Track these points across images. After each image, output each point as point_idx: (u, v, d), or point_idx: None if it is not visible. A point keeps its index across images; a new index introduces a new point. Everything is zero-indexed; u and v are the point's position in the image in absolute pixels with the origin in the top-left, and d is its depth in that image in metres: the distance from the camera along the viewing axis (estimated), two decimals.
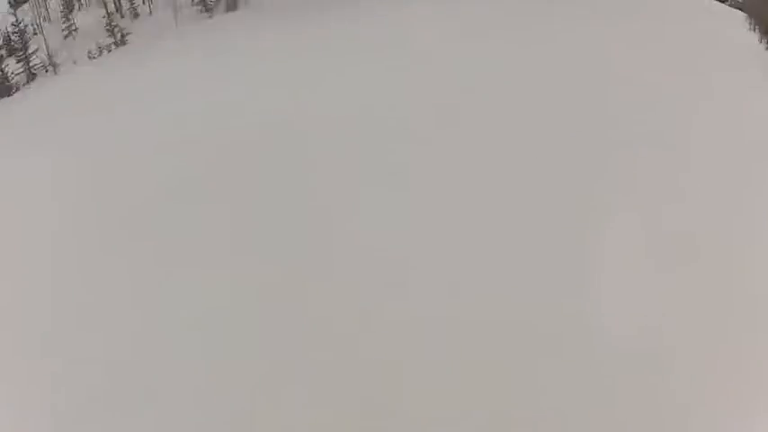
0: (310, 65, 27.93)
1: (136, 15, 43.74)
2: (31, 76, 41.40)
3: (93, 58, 41.10)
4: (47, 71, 40.77)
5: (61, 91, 35.86)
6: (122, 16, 45.22)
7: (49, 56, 41.55)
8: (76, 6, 48.69)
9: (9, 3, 45.86)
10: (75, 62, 41.08)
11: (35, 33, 45.23)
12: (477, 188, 17.84)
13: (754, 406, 11.29)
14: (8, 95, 39.48)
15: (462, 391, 12.24)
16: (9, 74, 41.08)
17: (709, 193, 16.45)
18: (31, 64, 41.79)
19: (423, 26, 31.04)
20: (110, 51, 41.10)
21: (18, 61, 41.92)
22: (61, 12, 47.12)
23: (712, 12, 30.96)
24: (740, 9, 30.93)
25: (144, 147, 23.61)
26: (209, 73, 30.03)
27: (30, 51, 41.93)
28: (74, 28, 45.62)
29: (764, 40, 24.99)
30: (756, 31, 26.78)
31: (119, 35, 42.22)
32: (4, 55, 43.48)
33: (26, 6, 48.77)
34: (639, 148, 18.51)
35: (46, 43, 42.57)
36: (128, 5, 46.08)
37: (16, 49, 43.02)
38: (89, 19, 45.80)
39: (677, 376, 11.94)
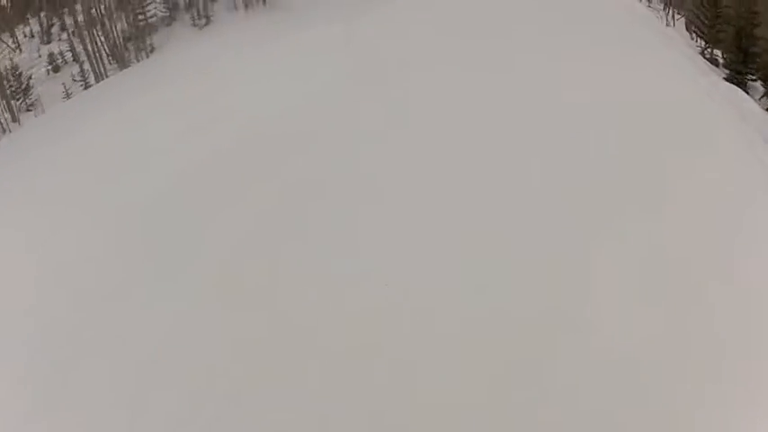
0: None
1: None
2: None
3: None
4: None
5: None
6: None
7: None
8: None
9: None
10: None
11: None
12: (474, 198, 17.51)
13: (753, 412, 11.27)
14: None
15: (461, 392, 12.35)
16: None
17: (707, 206, 16.11)
18: None
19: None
20: None
21: None
22: None
23: None
24: None
25: None
26: None
27: None
28: None
29: None
30: None
31: None
32: None
33: None
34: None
35: None
36: None
37: None
38: None
39: (677, 382, 11.89)
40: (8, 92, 34.61)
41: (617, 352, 12.56)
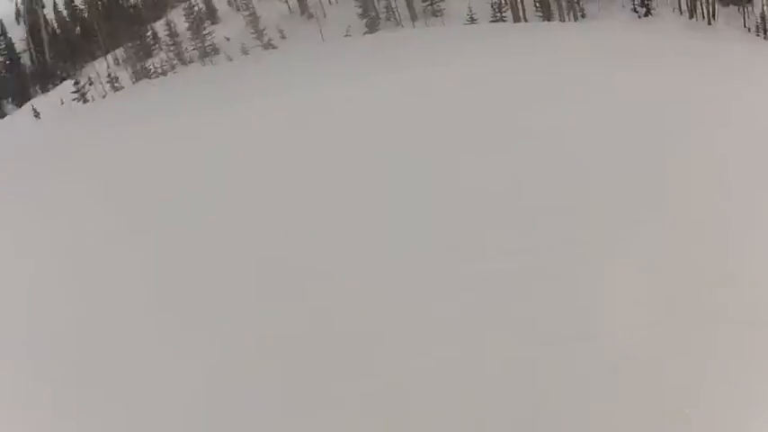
0: None
1: None
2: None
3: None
4: None
5: None
6: None
7: None
8: None
9: None
10: None
11: None
12: (474, 198, 17.78)
13: (753, 412, 10.98)
14: None
15: (461, 392, 12.17)
16: None
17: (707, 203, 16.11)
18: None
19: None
20: None
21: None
22: None
23: None
24: None
25: None
26: None
27: None
28: None
29: None
30: None
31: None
32: None
33: None
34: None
35: None
36: None
37: None
38: None
39: (677, 382, 11.65)
40: None
41: (617, 352, 12.58)
